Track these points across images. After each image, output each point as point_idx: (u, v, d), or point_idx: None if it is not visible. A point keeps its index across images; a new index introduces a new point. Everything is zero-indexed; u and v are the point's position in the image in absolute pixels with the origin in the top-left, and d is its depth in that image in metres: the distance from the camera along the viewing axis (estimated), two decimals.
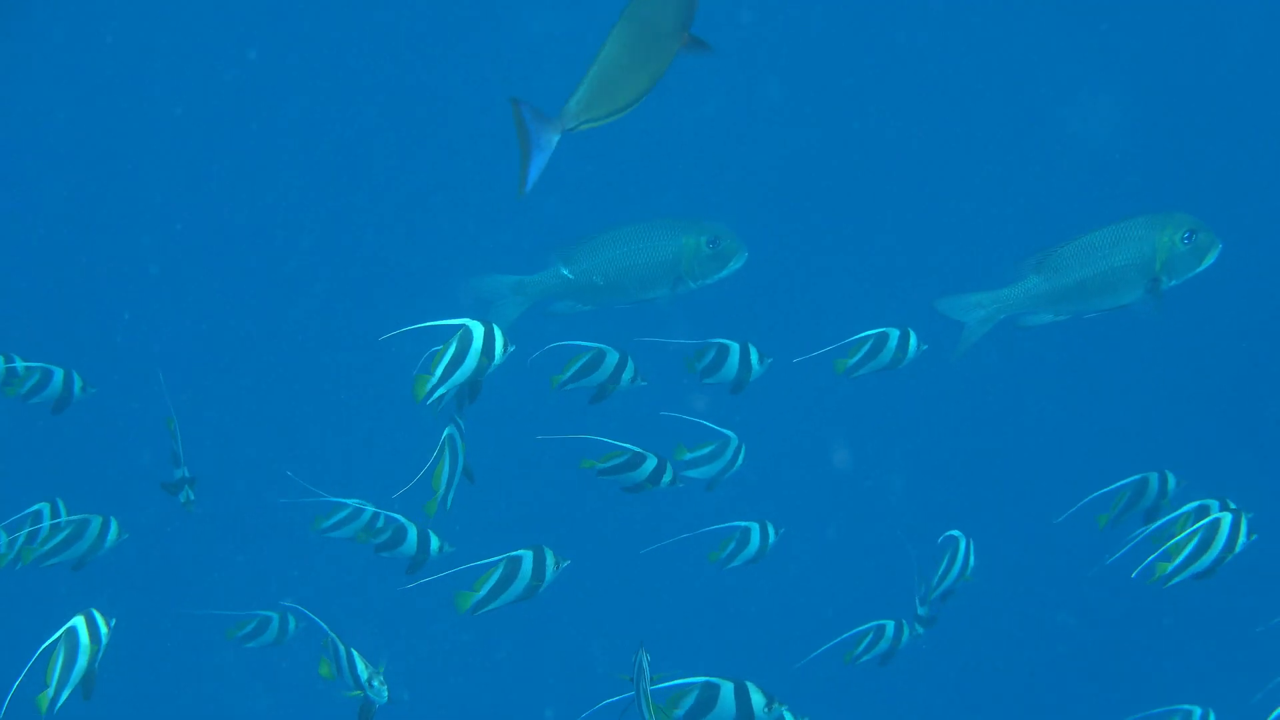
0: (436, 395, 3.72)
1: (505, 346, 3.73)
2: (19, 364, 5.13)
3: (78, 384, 5.25)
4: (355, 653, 4.07)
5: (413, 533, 4.67)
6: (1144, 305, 4.49)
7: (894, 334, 4.71)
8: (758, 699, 3.84)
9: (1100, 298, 4.48)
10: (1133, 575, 4.35)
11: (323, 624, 4.06)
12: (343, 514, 4.92)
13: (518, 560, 4.03)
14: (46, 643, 3.64)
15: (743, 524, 4.98)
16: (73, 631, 3.70)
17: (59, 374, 5.16)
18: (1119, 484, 5.11)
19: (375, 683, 4.10)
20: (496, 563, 4.01)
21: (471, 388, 3.84)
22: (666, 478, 4.41)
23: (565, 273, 4.11)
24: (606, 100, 2.72)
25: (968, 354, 4.61)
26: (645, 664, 3.59)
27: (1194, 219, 4.39)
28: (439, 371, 3.71)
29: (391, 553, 4.79)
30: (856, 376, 4.82)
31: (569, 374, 4.22)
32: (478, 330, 3.67)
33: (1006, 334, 4.87)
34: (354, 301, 10.89)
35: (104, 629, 3.73)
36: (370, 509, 4.80)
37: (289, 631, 6.04)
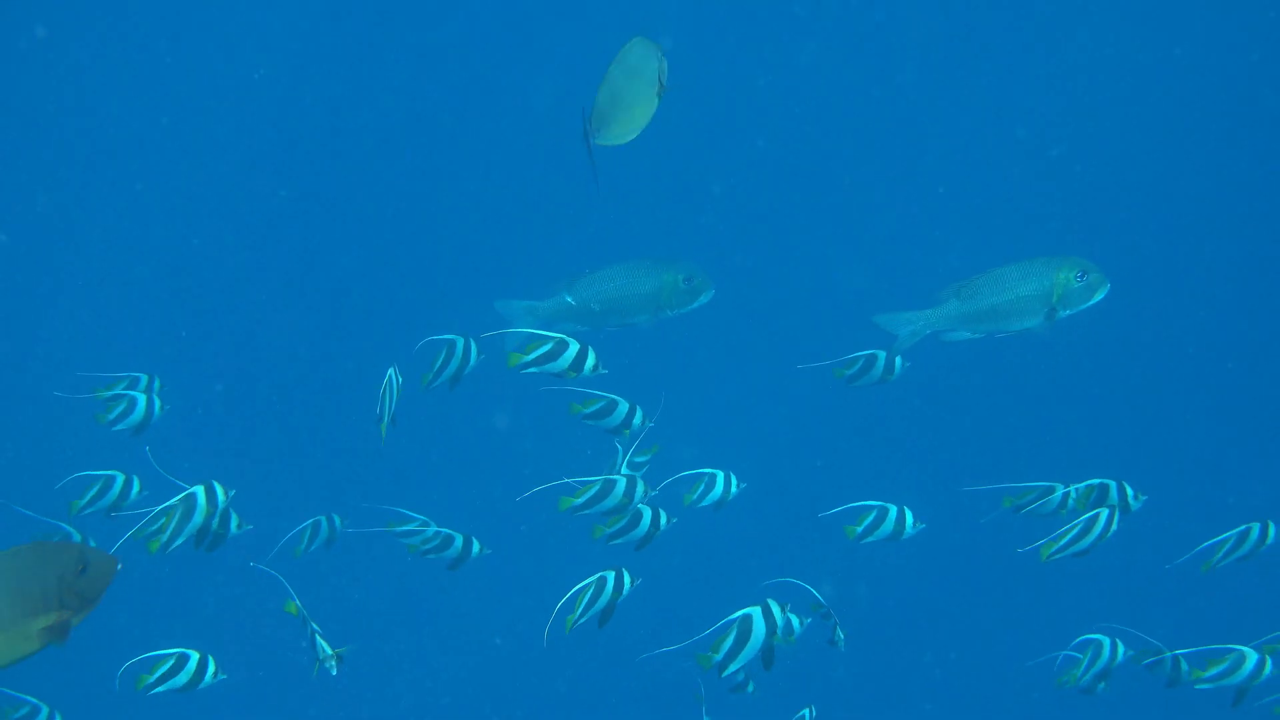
0: (525, 368, 4.47)
1: (596, 367, 4.56)
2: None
3: (157, 405, 5.53)
4: (318, 633, 4.69)
5: (458, 539, 5.34)
6: (1042, 329, 5.48)
7: (882, 355, 5.46)
8: (778, 615, 4.44)
9: (1007, 321, 5.28)
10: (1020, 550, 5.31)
11: (298, 601, 4.67)
12: (412, 526, 5.39)
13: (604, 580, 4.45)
14: (166, 504, 4.10)
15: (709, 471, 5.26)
16: (191, 495, 4.13)
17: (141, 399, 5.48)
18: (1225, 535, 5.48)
19: (329, 662, 4.69)
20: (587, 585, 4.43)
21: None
22: (637, 420, 4.80)
23: (569, 300, 5.14)
24: (613, 120, 3.43)
25: (901, 353, 5.45)
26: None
27: (1087, 262, 5.21)
28: (533, 355, 4.48)
29: (438, 555, 5.41)
30: (856, 386, 5.56)
31: (531, 357, 4.58)
32: (574, 344, 4.50)
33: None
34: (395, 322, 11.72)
35: (221, 495, 4.20)
36: (430, 525, 5.36)
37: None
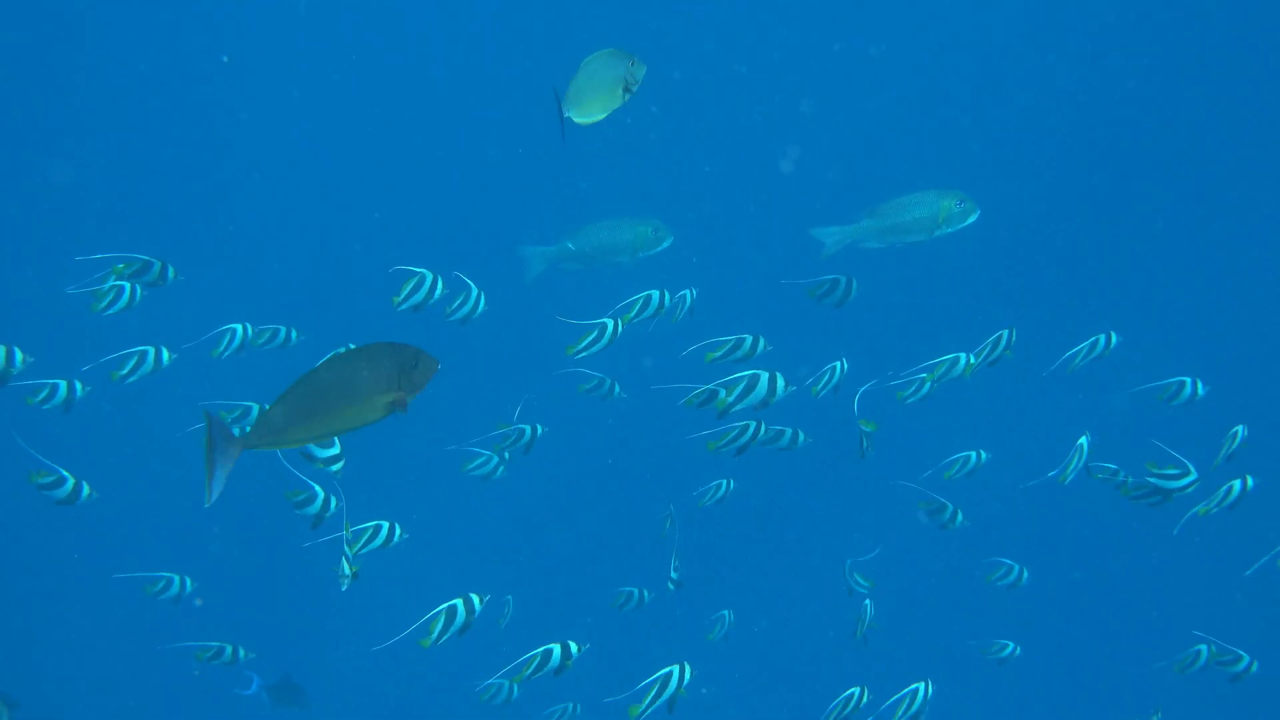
0: (728, 406, 5.42)
1: (786, 387, 5.49)
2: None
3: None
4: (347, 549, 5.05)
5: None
6: (929, 241, 7.21)
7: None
8: (781, 381, 5.32)
9: (904, 235, 6.75)
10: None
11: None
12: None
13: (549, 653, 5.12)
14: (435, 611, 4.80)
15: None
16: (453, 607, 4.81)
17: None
18: None
19: (346, 566, 5.02)
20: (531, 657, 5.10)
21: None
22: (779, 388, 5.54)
23: (570, 245, 7.06)
24: (581, 103, 4.20)
25: (830, 259, 6.81)
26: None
27: (964, 194, 6.62)
28: (736, 392, 5.44)
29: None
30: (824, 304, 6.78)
31: (734, 397, 5.50)
32: (765, 375, 5.47)
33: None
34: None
35: (477, 605, 4.86)
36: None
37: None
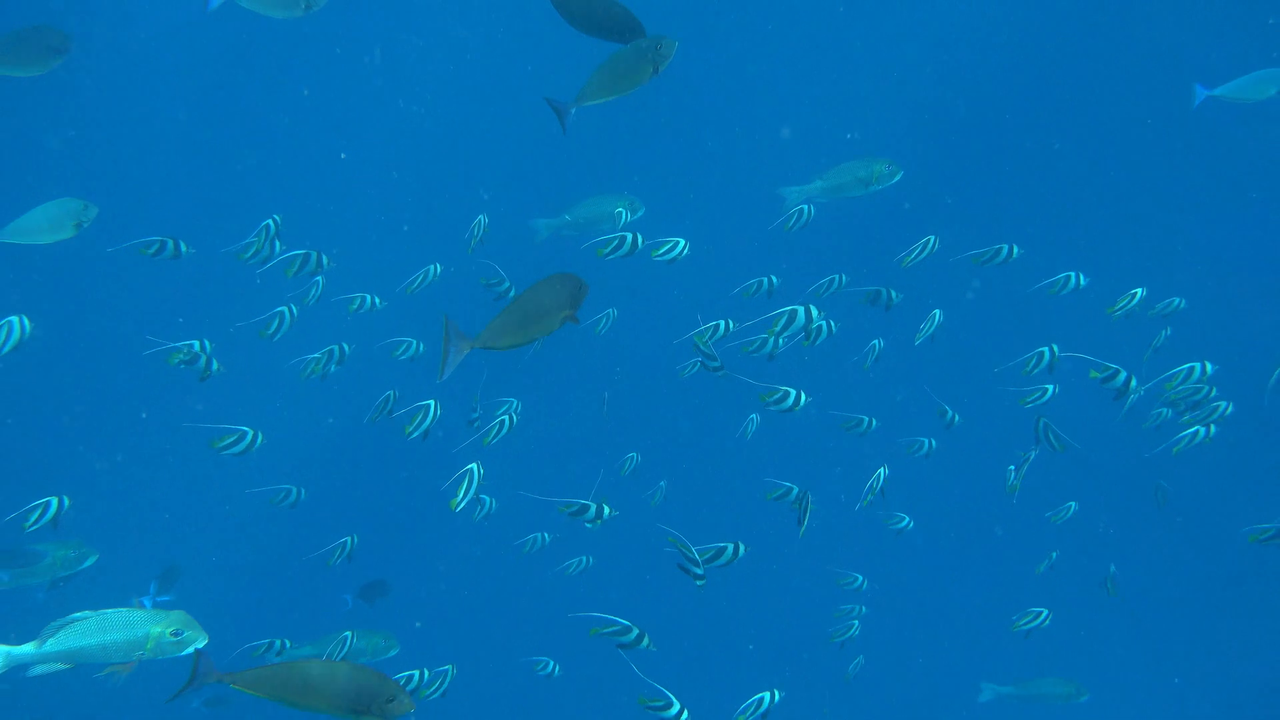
0: (769, 347, 6.66)
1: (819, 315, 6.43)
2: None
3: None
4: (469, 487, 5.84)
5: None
6: (864, 195, 8.76)
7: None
8: (815, 311, 6.11)
9: (847, 191, 8.36)
10: None
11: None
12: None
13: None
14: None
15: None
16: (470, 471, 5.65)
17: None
18: None
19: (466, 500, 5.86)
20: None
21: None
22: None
23: (568, 217, 8.73)
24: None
25: (791, 209, 8.24)
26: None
27: (890, 160, 8.10)
28: (779, 325, 6.45)
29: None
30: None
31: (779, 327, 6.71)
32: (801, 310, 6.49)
33: None
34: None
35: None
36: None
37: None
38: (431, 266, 8.35)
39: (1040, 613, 8.36)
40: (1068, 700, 9.79)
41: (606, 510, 5.84)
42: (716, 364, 6.84)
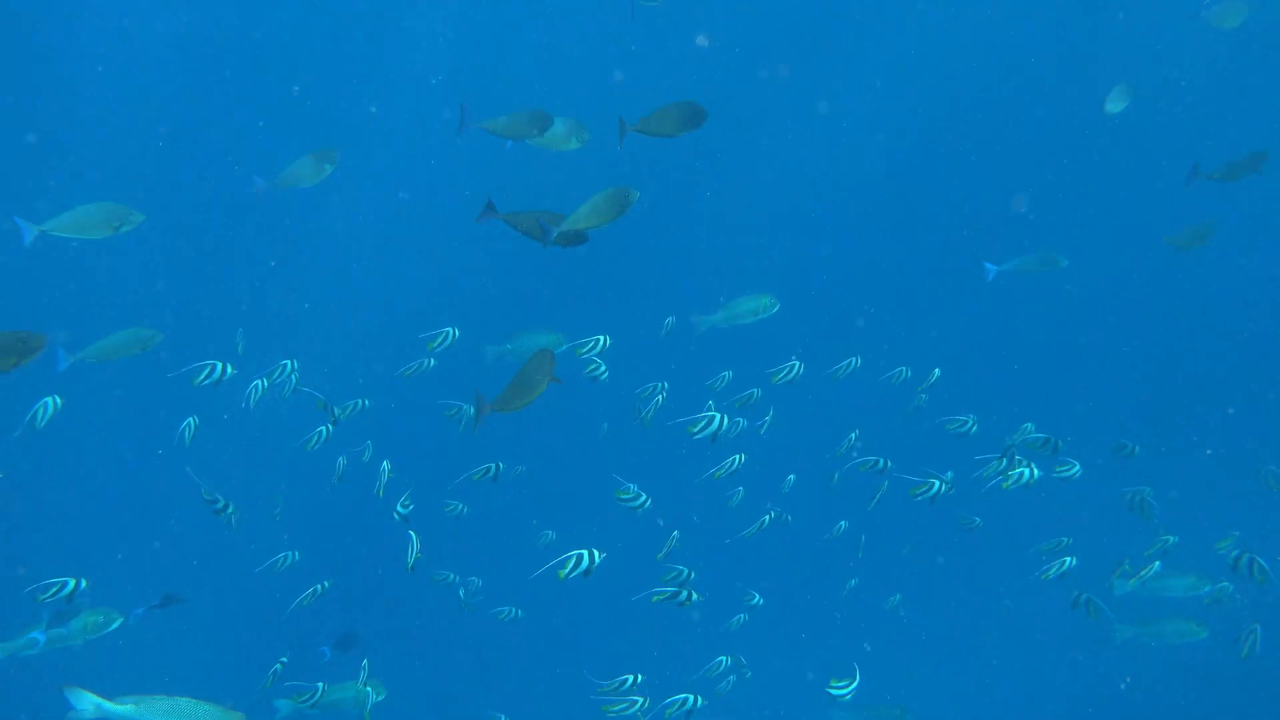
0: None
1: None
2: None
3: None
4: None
5: None
6: (754, 324, 10.68)
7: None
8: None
9: (742, 320, 10.16)
10: None
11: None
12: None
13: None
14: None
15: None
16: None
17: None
18: None
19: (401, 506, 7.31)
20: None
21: None
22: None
23: (508, 346, 10.56)
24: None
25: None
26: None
27: (771, 295, 9.77)
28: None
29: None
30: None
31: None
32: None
33: None
34: None
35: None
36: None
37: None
38: (450, 330, 9.13)
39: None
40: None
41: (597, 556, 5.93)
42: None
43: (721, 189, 20.20)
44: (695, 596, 6.75)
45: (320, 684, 8.21)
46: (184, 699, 4.51)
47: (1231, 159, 8.84)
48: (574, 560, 5.59)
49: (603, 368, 8.66)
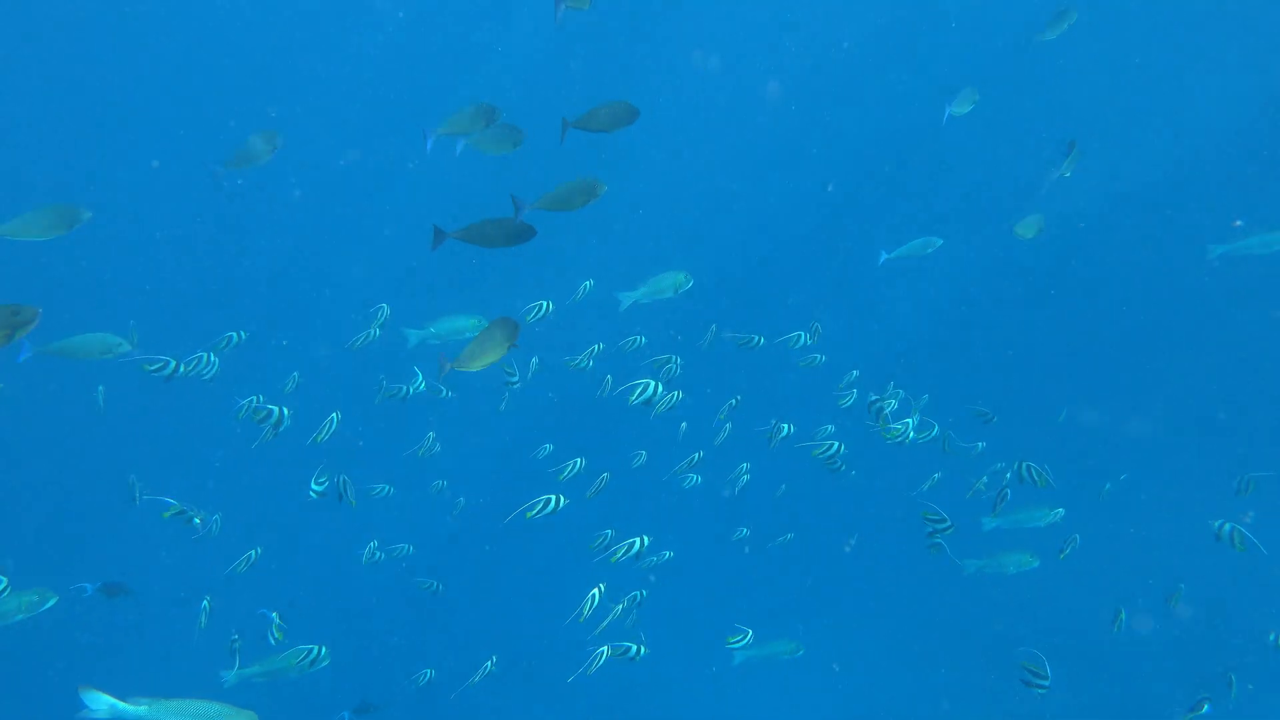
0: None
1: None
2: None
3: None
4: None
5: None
6: (675, 297, 11.77)
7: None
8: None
9: (663, 294, 10.92)
10: None
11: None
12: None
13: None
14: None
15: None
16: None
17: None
18: None
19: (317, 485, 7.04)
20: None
21: None
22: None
23: (431, 329, 10.71)
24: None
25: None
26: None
27: (687, 272, 11.04)
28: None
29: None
30: None
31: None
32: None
33: None
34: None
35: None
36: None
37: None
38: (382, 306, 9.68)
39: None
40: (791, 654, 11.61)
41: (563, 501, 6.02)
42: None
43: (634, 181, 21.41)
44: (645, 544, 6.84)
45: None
46: (197, 700, 4.51)
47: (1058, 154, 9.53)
48: (542, 504, 5.86)
49: (589, 363, 9.03)
